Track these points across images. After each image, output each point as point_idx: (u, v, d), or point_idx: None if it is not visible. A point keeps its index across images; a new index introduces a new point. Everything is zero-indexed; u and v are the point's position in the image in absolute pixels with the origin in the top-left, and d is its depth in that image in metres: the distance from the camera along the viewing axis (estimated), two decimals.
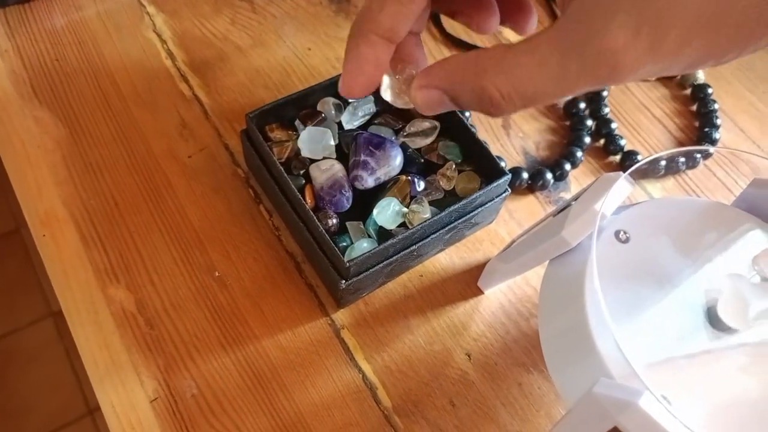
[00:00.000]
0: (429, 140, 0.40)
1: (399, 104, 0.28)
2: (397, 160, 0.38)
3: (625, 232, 0.30)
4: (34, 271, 1.19)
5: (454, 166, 0.39)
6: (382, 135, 0.39)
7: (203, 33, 0.48)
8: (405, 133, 0.40)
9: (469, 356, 0.38)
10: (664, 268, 0.30)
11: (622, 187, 0.30)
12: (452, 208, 0.36)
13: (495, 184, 0.37)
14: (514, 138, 0.46)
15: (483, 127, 0.47)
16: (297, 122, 0.40)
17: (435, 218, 0.36)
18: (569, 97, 0.41)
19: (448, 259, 0.41)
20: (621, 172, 0.30)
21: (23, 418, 1.08)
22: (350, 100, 0.41)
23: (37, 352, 1.14)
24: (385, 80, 0.28)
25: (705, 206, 0.32)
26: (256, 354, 0.36)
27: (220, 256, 0.39)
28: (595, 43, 0.20)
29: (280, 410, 0.35)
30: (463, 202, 0.36)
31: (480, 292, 0.40)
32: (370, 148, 0.38)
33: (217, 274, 0.39)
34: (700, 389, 0.27)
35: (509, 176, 0.38)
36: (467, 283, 0.40)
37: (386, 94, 0.28)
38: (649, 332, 0.28)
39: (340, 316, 0.38)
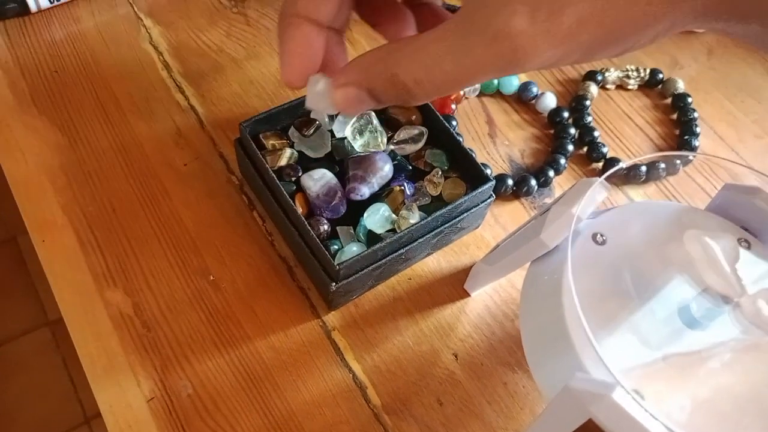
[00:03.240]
0: (418, 146, 0.42)
1: (321, 109, 0.27)
2: (386, 167, 0.39)
3: (601, 235, 0.32)
4: (30, 280, 1.19)
5: (440, 172, 0.40)
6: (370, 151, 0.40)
7: (198, 45, 0.50)
8: (394, 141, 0.42)
9: (456, 356, 0.39)
10: (639, 269, 0.31)
11: (597, 191, 0.31)
12: (438, 213, 0.38)
13: (479, 190, 0.38)
14: (500, 146, 0.48)
15: (470, 135, 0.48)
16: (291, 130, 0.42)
17: (422, 223, 0.37)
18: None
19: (436, 262, 0.42)
20: (597, 177, 0.32)
21: (17, 427, 1.09)
22: None
23: (33, 361, 1.15)
24: (315, 82, 0.27)
25: (679, 210, 0.34)
26: (249, 355, 0.38)
27: (215, 261, 0.40)
28: (494, 27, 0.21)
29: (273, 409, 0.36)
30: (449, 207, 0.38)
31: (466, 294, 0.41)
32: (359, 162, 0.39)
33: (211, 277, 0.40)
34: (673, 385, 0.28)
35: (493, 182, 0.39)
36: (454, 285, 0.41)
37: (313, 101, 0.27)
38: (625, 330, 0.29)
39: (331, 318, 0.39)
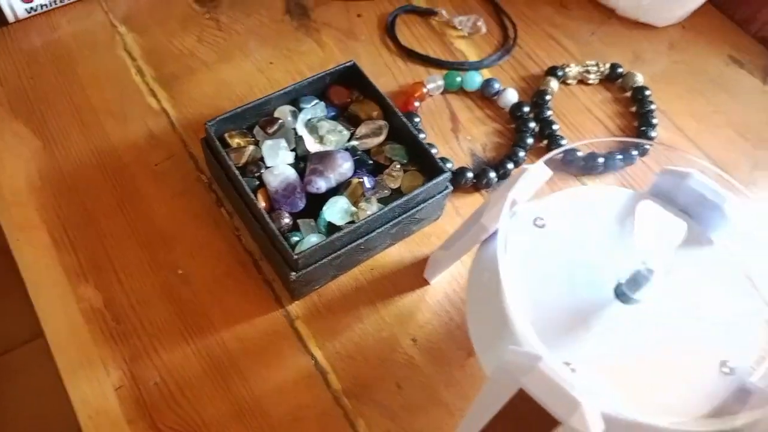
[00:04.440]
0: (379, 139, 0.43)
1: None
2: (346, 165, 0.41)
3: (541, 219, 0.33)
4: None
5: (398, 165, 0.42)
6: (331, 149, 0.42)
7: (171, 50, 0.52)
8: (357, 136, 0.43)
9: (415, 342, 0.40)
10: (576, 250, 0.32)
11: (535, 176, 0.32)
12: (394, 204, 0.39)
13: (434, 181, 0.40)
14: (463, 141, 0.49)
15: (434, 131, 0.50)
16: (256, 129, 0.44)
17: (378, 213, 0.38)
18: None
19: (398, 253, 0.44)
20: (539, 163, 0.33)
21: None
22: (302, 106, 0.44)
23: (30, 370, 1.16)
24: None
25: (618, 194, 0.35)
26: (215, 344, 0.39)
27: (184, 256, 0.42)
28: None
29: (237, 395, 0.38)
30: (405, 198, 0.39)
31: (427, 282, 0.42)
32: (320, 158, 0.41)
33: (180, 272, 0.41)
34: (605, 355, 0.30)
35: (449, 174, 0.41)
36: (415, 275, 0.43)
37: None
38: (561, 307, 0.31)
39: (295, 308, 0.41)
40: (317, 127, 0.42)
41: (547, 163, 0.33)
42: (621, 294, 0.31)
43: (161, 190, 0.44)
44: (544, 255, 0.32)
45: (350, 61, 0.45)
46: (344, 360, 0.39)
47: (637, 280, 0.31)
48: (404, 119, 0.43)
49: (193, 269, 0.42)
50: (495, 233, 0.33)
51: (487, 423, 0.30)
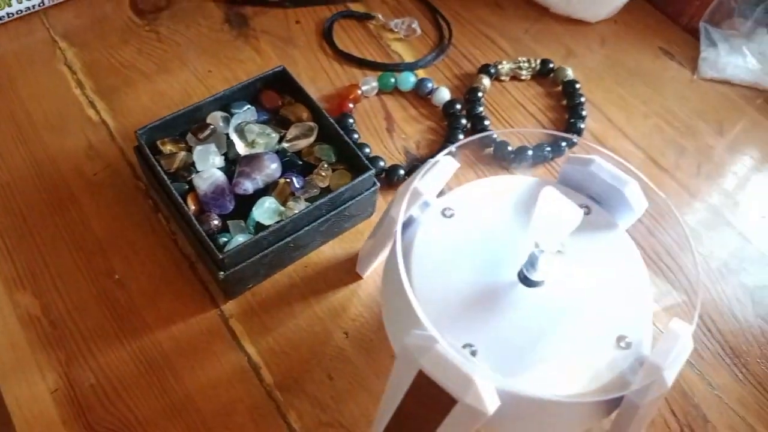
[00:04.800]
0: (310, 140, 0.45)
1: None
2: (273, 166, 0.42)
3: (450, 209, 0.35)
4: None
5: (326, 165, 0.43)
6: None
7: (111, 62, 0.53)
8: (287, 139, 0.45)
9: (346, 335, 0.42)
10: (483, 237, 0.34)
11: (440, 166, 0.34)
12: (319, 201, 0.40)
13: (359, 178, 0.41)
14: (397, 139, 0.51)
15: (369, 131, 0.51)
16: (189, 136, 0.45)
17: (304, 211, 0.40)
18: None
19: (331, 250, 0.45)
20: (442, 155, 0.34)
21: None
22: (233, 111, 0.45)
23: None
24: None
25: (527, 183, 0.37)
26: (150, 345, 0.40)
27: (121, 261, 0.43)
28: None
29: (171, 393, 0.39)
30: (330, 196, 0.41)
31: (359, 277, 0.44)
32: (248, 161, 0.42)
33: (117, 276, 0.42)
34: (508, 335, 0.31)
35: (373, 171, 0.42)
36: (348, 270, 0.44)
37: None
38: (466, 292, 0.32)
39: (230, 307, 0.42)
40: (247, 131, 0.43)
41: (455, 154, 0.35)
42: (523, 277, 0.32)
43: (99, 199, 0.45)
44: (452, 243, 0.33)
45: (279, 66, 0.46)
46: (277, 355, 0.41)
47: (531, 262, 0.32)
48: (331, 120, 0.44)
49: (130, 274, 0.43)
50: (408, 224, 0.34)
51: (398, 405, 0.32)
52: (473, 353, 0.30)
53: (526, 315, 0.32)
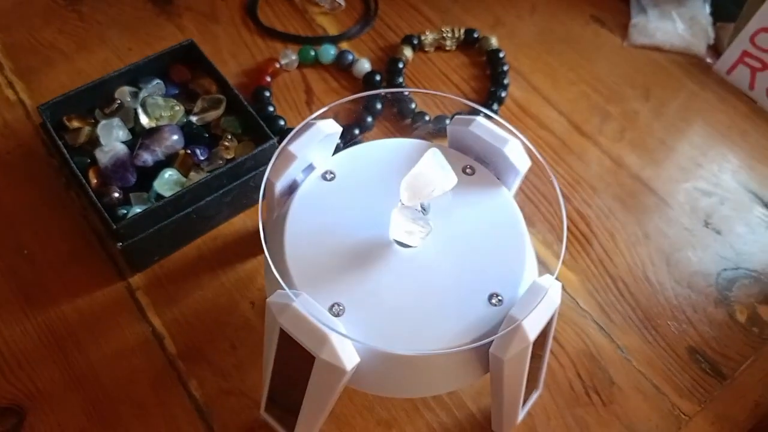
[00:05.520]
0: (219, 112, 0.45)
1: None
2: (174, 138, 0.42)
3: (331, 172, 0.35)
4: None
5: (230, 136, 0.43)
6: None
7: (32, 43, 0.53)
8: (195, 112, 0.45)
9: (253, 305, 0.42)
10: (362, 199, 0.34)
11: (322, 129, 0.34)
12: (219, 171, 0.40)
13: (260, 148, 0.41)
14: (316, 111, 0.51)
15: (288, 104, 0.51)
16: (97, 111, 0.45)
17: (201, 181, 0.40)
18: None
19: (242, 222, 0.45)
20: (325, 120, 0.34)
21: None
22: (141, 86, 0.45)
23: None
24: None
25: (413, 145, 0.36)
26: (55, 318, 0.41)
27: (31, 237, 0.43)
28: None
29: (74, 364, 0.39)
30: (230, 165, 0.41)
31: None
32: (150, 134, 0.42)
33: (26, 252, 0.43)
34: (380, 295, 0.31)
35: (275, 140, 0.42)
36: (258, 242, 0.44)
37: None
38: (341, 253, 0.32)
39: (137, 280, 0.42)
40: (151, 105, 0.43)
41: (324, 116, 0.35)
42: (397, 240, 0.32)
43: (10, 177, 0.46)
44: (330, 206, 0.33)
45: (188, 40, 0.46)
46: (181, 326, 0.41)
47: (413, 226, 0.32)
48: (236, 91, 0.44)
49: (39, 249, 0.43)
50: (294, 188, 0.34)
51: (272, 364, 0.32)
52: (340, 312, 0.30)
53: (400, 275, 0.32)
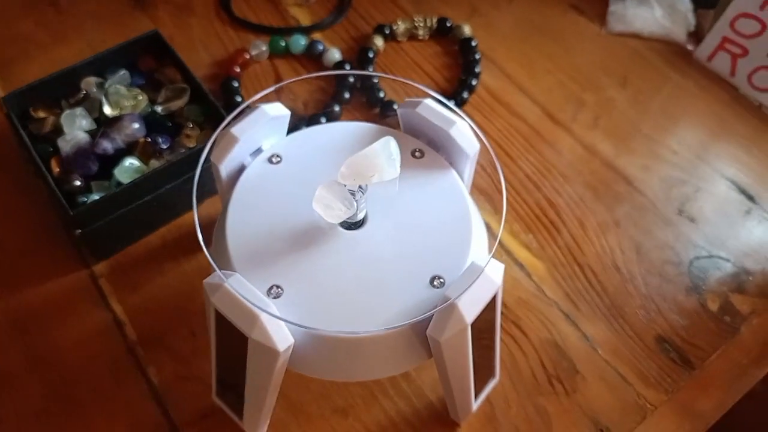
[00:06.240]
0: (183, 101, 0.45)
1: None
2: (134, 126, 0.42)
3: (278, 156, 0.34)
4: None
5: (191, 125, 0.44)
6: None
7: (9, 35, 0.54)
8: (159, 101, 0.45)
9: None
10: (308, 182, 0.33)
11: (267, 112, 0.34)
12: (177, 159, 0.41)
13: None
14: (285, 101, 0.50)
15: (256, 92, 0.51)
16: (63, 102, 0.45)
17: (157, 168, 0.40)
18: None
19: (205, 210, 0.45)
20: (271, 103, 0.34)
21: None
22: (107, 76, 0.45)
23: None
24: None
25: (360, 129, 0.36)
26: (17, 303, 0.41)
27: None
28: None
29: (33, 348, 0.39)
30: (188, 152, 0.41)
31: None
32: (111, 123, 0.42)
33: None
34: (321, 277, 0.31)
35: None
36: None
37: None
38: (283, 235, 0.32)
39: (101, 268, 0.43)
40: (113, 94, 0.43)
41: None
42: (345, 222, 0.32)
43: None
44: (274, 189, 0.33)
45: (153, 30, 0.47)
46: (142, 312, 0.41)
47: (357, 208, 0.32)
48: (198, 80, 0.44)
49: (3, 236, 0.43)
50: (241, 172, 0.34)
51: (215, 345, 0.32)
52: (279, 294, 0.30)
53: (342, 258, 0.31)
